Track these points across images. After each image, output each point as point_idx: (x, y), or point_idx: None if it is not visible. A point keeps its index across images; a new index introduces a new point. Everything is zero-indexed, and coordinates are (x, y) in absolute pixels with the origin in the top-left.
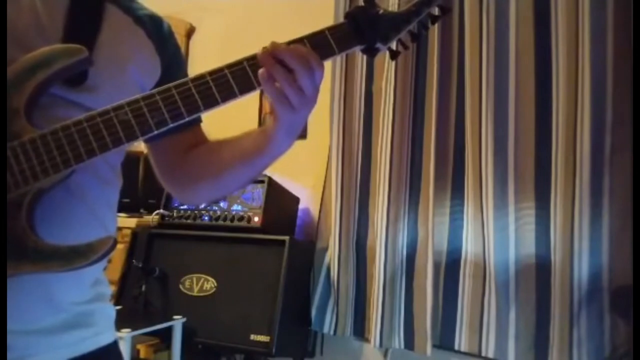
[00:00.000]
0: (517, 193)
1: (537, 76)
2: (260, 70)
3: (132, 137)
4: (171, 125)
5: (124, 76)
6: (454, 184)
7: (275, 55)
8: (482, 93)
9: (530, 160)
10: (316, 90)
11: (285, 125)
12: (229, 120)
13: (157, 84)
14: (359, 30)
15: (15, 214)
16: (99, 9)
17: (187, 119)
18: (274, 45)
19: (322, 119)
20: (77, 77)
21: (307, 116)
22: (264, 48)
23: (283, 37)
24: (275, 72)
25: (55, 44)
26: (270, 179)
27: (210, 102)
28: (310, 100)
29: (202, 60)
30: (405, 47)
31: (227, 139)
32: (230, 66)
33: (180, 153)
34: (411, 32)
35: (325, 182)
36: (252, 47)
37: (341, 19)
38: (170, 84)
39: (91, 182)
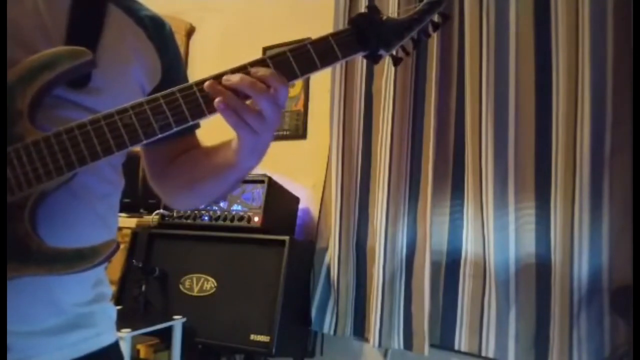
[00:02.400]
0: (517, 193)
1: (537, 76)
2: (216, 100)
3: (136, 141)
4: (175, 129)
5: (126, 77)
6: (454, 183)
7: (225, 86)
8: (482, 93)
9: (530, 160)
10: (278, 112)
11: (249, 147)
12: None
13: (158, 85)
14: (362, 37)
15: (19, 216)
16: (101, 10)
17: (190, 123)
18: (223, 75)
19: (322, 119)
20: (80, 79)
21: (271, 138)
22: (210, 78)
23: (283, 38)
24: (228, 101)
25: (58, 45)
26: (270, 179)
27: (214, 107)
28: (272, 123)
29: (202, 60)
30: (407, 53)
31: (207, 148)
32: (235, 70)
33: (171, 159)
34: (412, 39)
35: (325, 182)
36: (252, 47)
37: (340, 19)
38: (174, 88)
39: (94, 183)
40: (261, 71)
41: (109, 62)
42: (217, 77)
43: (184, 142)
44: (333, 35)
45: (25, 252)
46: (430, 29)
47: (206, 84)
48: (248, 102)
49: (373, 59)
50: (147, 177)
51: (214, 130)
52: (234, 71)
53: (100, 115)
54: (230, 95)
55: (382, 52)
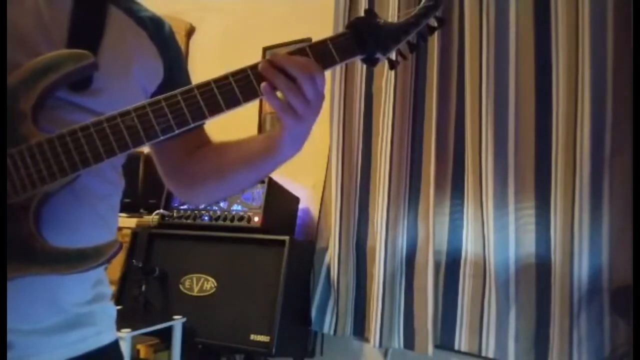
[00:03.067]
0: (517, 193)
1: (537, 76)
2: (263, 84)
3: (138, 143)
4: (177, 131)
5: (128, 79)
6: (454, 184)
7: (276, 65)
8: (482, 93)
9: (530, 160)
10: (320, 97)
11: (292, 133)
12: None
13: (160, 86)
14: (359, 41)
15: (23, 217)
16: (102, 11)
17: (192, 125)
18: (275, 55)
19: (322, 119)
20: (82, 81)
21: (312, 124)
22: (264, 59)
23: (283, 38)
24: (278, 82)
25: (60, 46)
26: (270, 179)
27: (215, 109)
28: (314, 108)
29: (202, 60)
30: (404, 58)
31: (231, 141)
32: (234, 74)
33: (185, 154)
34: (410, 43)
35: (325, 182)
36: (252, 47)
37: (340, 20)
38: (176, 91)
39: (96, 184)
40: (300, 58)
41: (110, 64)
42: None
43: (195, 138)
44: (331, 39)
45: (29, 252)
46: (427, 33)
47: (261, 65)
48: None
49: (370, 63)
50: (160, 175)
51: (214, 130)
52: (251, 68)
53: (103, 118)
54: (280, 76)
55: (379, 55)
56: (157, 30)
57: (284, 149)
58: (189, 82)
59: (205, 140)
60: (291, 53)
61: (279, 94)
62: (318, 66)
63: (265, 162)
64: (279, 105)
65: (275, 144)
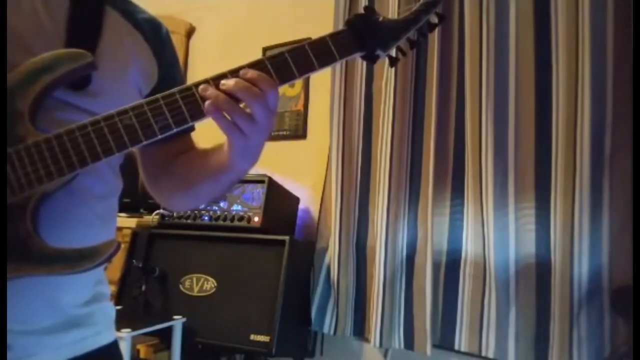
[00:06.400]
0: (517, 193)
1: (537, 76)
2: (206, 103)
3: (136, 142)
4: (175, 130)
5: (124, 80)
6: (454, 184)
7: (220, 89)
8: (482, 93)
9: (530, 160)
10: (270, 115)
11: (240, 150)
12: None
13: (154, 88)
14: (359, 38)
15: (20, 217)
16: (99, 13)
17: (190, 124)
18: (219, 77)
19: (322, 119)
20: (80, 81)
21: (263, 141)
22: (205, 81)
23: (283, 38)
24: (220, 104)
25: (57, 47)
26: (270, 179)
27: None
28: (263, 126)
29: (202, 60)
30: (404, 54)
31: (202, 150)
32: (233, 72)
33: (166, 161)
34: (409, 40)
35: (325, 182)
36: (252, 47)
37: (340, 19)
38: (174, 89)
39: (93, 185)
40: (250, 73)
41: (107, 65)
42: (214, 79)
43: (179, 144)
44: (330, 36)
45: (26, 252)
46: (426, 29)
47: (201, 87)
48: (242, 105)
49: (370, 60)
50: (143, 180)
51: (213, 131)
52: (231, 72)
53: (101, 117)
54: (222, 98)
55: (379, 52)
56: (153, 32)
57: (235, 165)
58: (184, 84)
59: (188, 147)
60: (250, 65)
61: None
62: (271, 82)
63: (222, 175)
64: (223, 123)
65: (226, 158)
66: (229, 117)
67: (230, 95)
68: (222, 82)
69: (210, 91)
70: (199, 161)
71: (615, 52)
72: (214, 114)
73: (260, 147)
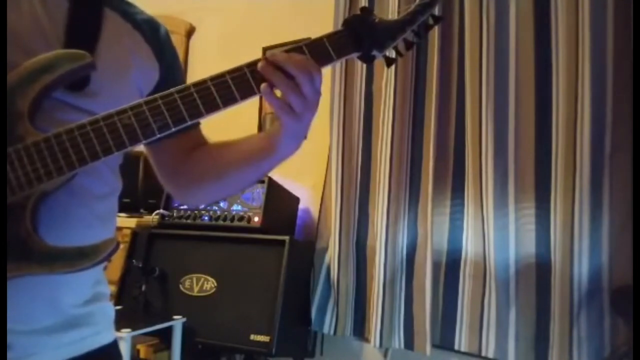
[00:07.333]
0: (517, 193)
1: (537, 76)
2: (263, 84)
3: (135, 141)
4: (173, 129)
5: (124, 80)
6: (454, 184)
7: (275, 64)
8: (482, 93)
9: (530, 160)
10: (317, 94)
11: (290, 131)
12: (229, 120)
13: (155, 88)
14: (356, 38)
15: (20, 216)
16: (98, 14)
17: (189, 123)
18: (273, 54)
19: (322, 119)
20: (79, 81)
21: (311, 121)
22: (262, 58)
23: (283, 38)
24: (277, 81)
25: (57, 48)
26: (270, 179)
27: (212, 107)
28: (312, 105)
29: (202, 60)
30: (401, 55)
31: (228, 141)
32: (231, 72)
33: (182, 155)
34: (406, 40)
35: (325, 182)
36: (252, 47)
37: (340, 19)
38: (173, 89)
39: (93, 184)
40: (299, 56)
41: (107, 65)
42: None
43: (190, 138)
44: (327, 36)
45: (26, 251)
46: (423, 30)
47: (260, 64)
48: None
49: (367, 60)
50: (157, 176)
51: (213, 131)
52: (229, 72)
53: (100, 116)
54: (279, 74)
55: (375, 53)
56: (152, 33)
57: (283, 147)
58: (185, 83)
59: (201, 141)
60: (288, 51)
61: (277, 92)
62: (315, 64)
63: (264, 161)
64: (277, 103)
65: (274, 142)
66: (284, 96)
67: (285, 73)
68: (278, 57)
69: (270, 68)
70: (229, 151)
71: (615, 52)
72: (269, 93)
73: (308, 128)
